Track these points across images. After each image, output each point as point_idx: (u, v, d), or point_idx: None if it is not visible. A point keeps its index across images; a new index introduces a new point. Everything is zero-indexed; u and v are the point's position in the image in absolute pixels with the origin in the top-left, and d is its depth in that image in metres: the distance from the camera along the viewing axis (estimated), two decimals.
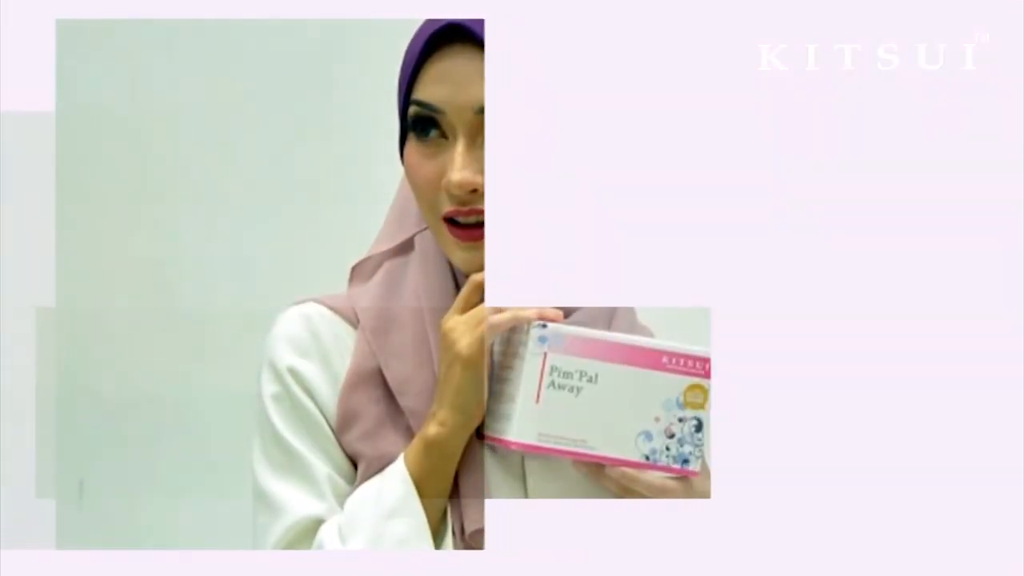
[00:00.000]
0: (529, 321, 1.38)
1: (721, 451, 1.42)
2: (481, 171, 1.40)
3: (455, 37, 1.41)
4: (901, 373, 1.69)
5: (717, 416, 1.43)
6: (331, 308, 1.49)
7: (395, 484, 1.39)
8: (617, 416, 1.39)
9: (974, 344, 1.74)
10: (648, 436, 1.40)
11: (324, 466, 1.44)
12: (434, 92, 1.41)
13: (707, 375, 1.41)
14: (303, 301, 1.50)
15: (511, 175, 1.41)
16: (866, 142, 2.91)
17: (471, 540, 1.40)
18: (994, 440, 1.60)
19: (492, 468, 1.44)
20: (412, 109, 1.43)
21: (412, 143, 1.44)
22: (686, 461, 1.41)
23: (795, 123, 2.91)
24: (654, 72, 1.76)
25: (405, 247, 1.50)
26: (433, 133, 1.43)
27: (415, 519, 1.38)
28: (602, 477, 1.41)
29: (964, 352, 1.69)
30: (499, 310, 1.39)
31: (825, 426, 1.59)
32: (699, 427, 1.41)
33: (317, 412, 1.45)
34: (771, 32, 2.87)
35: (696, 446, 1.41)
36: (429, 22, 1.43)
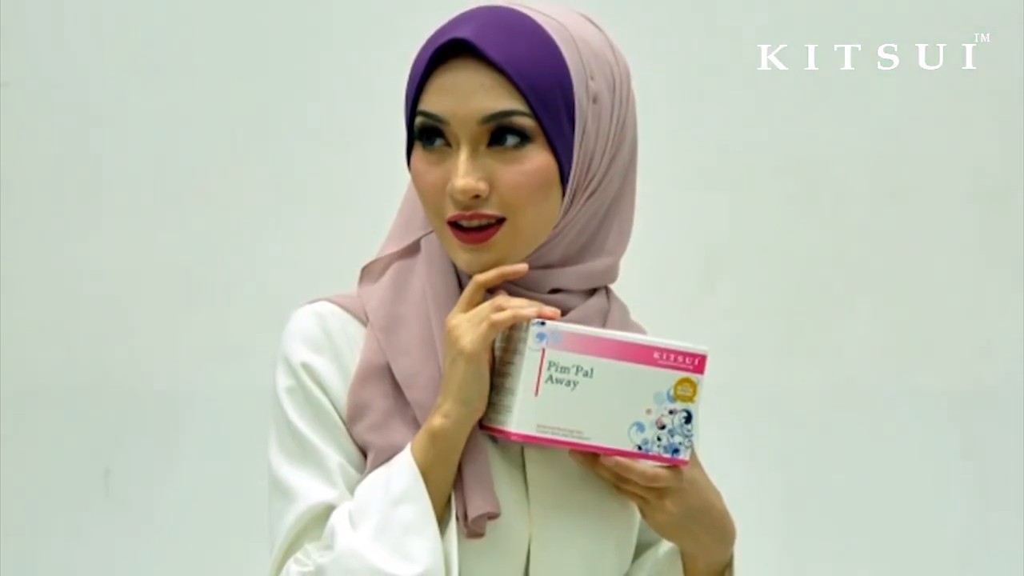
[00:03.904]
0: (528, 319, 1.43)
1: None
2: (483, 178, 1.46)
3: (459, 51, 1.46)
4: None
5: None
6: (342, 307, 1.54)
7: (402, 472, 1.45)
8: (611, 408, 1.45)
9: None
10: (640, 427, 1.45)
11: (335, 455, 1.49)
12: (439, 103, 1.47)
13: (696, 370, 1.47)
14: (316, 300, 1.55)
15: None
16: (865, 141, 2.96)
17: (474, 525, 1.46)
18: None
19: (493, 458, 1.49)
20: (418, 119, 1.48)
21: (418, 151, 1.50)
22: (676, 451, 1.47)
23: (795, 122, 2.96)
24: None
25: (412, 249, 1.55)
26: (438, 142, 1.48)
27: (421, 505, 1.43)
28: (597, 466, 1.47)
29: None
30: (500, 308, 1.44)
31: None
32: (688, 419, 1.47)
33: (329, 405, 1.50)
34: (771, 32, 2.92)
35: (686, 436, 1.47)
36: (434, 37, 1.49)
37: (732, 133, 2.93)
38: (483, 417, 1.47)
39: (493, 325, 1.44)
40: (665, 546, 1.59)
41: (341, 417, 1.51)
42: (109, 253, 2.90)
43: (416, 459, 1.45)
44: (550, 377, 1.44)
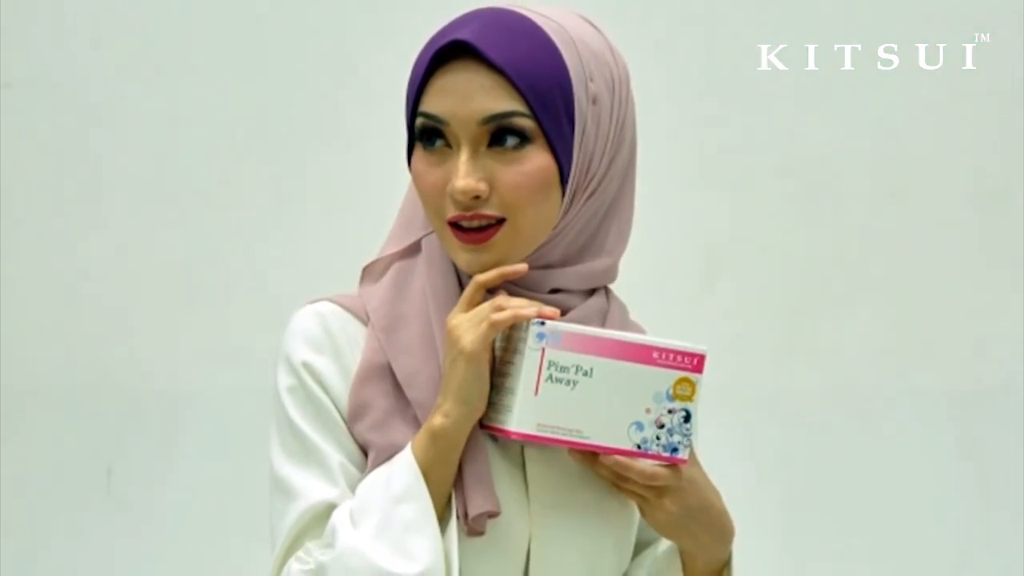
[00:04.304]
0: (528, 319, 1.44)
1: None
2: (483, 179, 1.47)
3: (459, 53, 1.47)
4: None
5: None
6: (343, 307, 1.54)
7: (403, 471, 1.45)
8: (610, 408, 1.45)
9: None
10: (639, 426, 1.46)
11: (337, 454, 1.50)
12: (439, 104, 1.47)
13: (695, 370, 1.47)
14: (317, 300, 1.56)
15: None
16: (865, 141, 2.97)
17: (474, 523, 1.47)
18: None
19: (494, 456, 1.50)
20: (419, 120, 1.49)
21: (419, 152, 1.51)
22: (675, 450, 1.47)
23: (795, 122, 2.97)
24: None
25: (412, 250, 1.55)
26: (439, 143, 1.49)
27: (422, 504, 1.44)
28: (597, 465, 1.48)
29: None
30: (500, 308, 1.45)
31: None
32: (687, 418, 1.47)
33: (330, 404, 1.51)
34: (771, 32, 2.93)
35: (685, 436, 1.47)
36: (435, 38, 1.50)
37: (732, 133, 2.94)
38: (483, 416, 1.48)
39: (493, 325, 1.45)
40: (664, 544, 1.60)
41: (342, 416, 1.52)
42: (109, 253, 2.91)
43: (417, 458, 1.46)
44: (550, 376, 1.44)
